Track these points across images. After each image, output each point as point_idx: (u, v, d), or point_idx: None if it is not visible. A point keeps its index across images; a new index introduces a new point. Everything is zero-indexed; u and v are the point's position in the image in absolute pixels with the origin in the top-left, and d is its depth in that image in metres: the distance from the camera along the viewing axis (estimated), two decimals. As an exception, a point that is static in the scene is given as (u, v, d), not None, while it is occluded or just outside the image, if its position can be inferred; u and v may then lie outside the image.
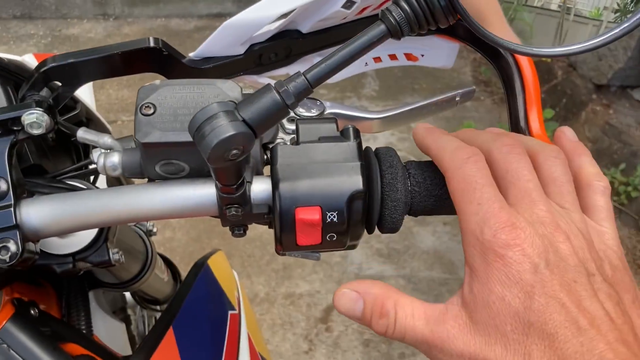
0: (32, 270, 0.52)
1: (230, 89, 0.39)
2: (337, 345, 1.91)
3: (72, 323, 0.70)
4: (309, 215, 0.37)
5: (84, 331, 0.70)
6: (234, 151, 0.32)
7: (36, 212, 0.42)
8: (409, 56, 0.58)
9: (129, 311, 1.07)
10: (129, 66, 0.46)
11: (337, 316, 2.00)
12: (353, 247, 0.42)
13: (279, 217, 0.38)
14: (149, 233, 0.84)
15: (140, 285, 0.79)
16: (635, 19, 0.34)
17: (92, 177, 0.63)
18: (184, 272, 0.92)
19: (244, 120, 0.32)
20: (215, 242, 2.24)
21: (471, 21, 0.35)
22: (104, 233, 0.55)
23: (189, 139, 0.37)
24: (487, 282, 0.31)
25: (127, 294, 1.06)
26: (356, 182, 0.38)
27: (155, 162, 0.40)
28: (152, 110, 0.38)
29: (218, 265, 0.78)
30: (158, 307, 1.12)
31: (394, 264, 2.20)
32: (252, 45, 0.48)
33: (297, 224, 0.37)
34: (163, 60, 0.46)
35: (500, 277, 0.31)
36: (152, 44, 0.45)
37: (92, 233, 0.54)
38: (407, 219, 0.43)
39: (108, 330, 0.79)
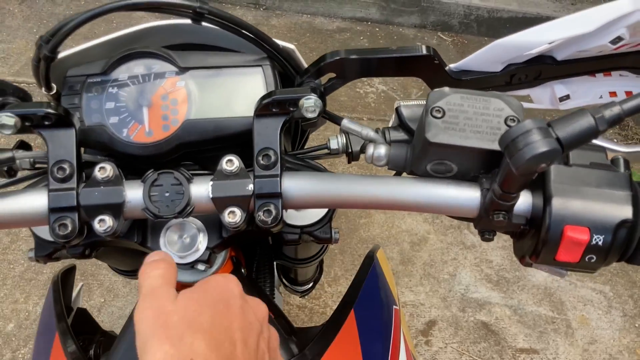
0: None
1: (515, 105, 0.42)
2: (435, 361, 1.91)
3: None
4: (577, 234, 0.39)
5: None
6: (542, 165, 0.35)
7: (296, 184, 0.48)
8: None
9: None
10: (399, 69, 0.50)
11: (438, 332, 1.99)
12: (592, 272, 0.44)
13: (546, 231, 0.40)
14: None
15: (310, 265, 0.85)
16: None
17: None
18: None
19: (557, 139, 0.35)
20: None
21: None
22: (331, 213, 0.60)
23: (473, 144, 0.40)
24: None
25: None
26: (626, 211, 0.40)
27: (430, 160, 0.44)
28: (441, 114, 0.42)
29: (382, 261, 0.81)
30: (298, 288, 1.18)
31: (502, 292, 2.16)
32: (509, 65, 0.51)
33: (563, 240, 0.40)
34: (429, 68, 0.50)
35: None
36: (424, 52, 0.49)
37: (322, 211, 0.59)
38: None
39: (277, 301, 0.86)
